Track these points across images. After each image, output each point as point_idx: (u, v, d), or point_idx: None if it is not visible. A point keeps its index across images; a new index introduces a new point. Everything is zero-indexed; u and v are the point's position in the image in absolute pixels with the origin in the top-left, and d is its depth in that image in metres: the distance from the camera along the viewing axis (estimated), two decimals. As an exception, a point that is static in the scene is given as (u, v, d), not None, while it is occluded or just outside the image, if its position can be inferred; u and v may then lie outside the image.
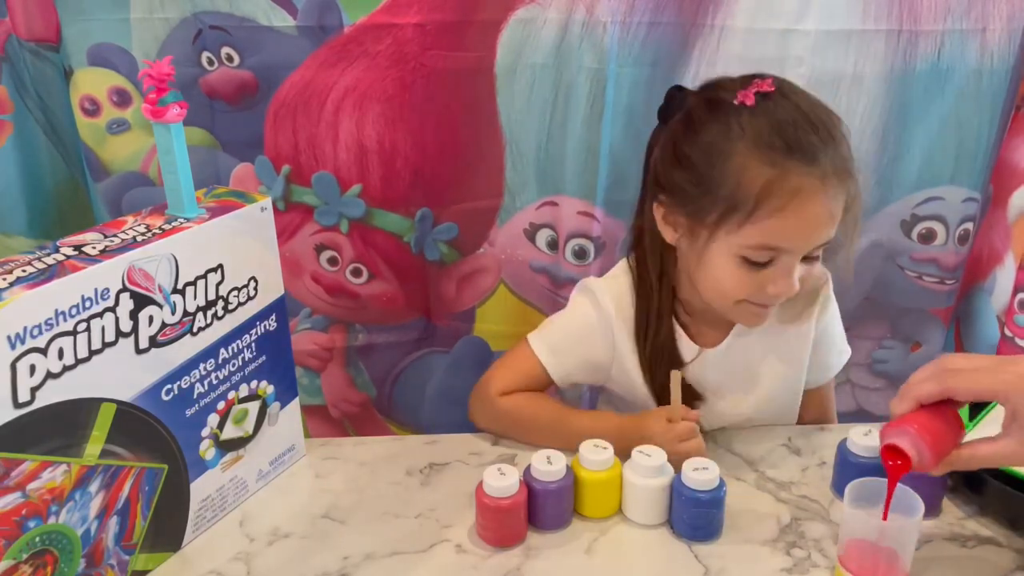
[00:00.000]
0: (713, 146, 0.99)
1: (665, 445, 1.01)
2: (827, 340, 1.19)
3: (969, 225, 1.42)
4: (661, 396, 1.12)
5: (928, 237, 1.43)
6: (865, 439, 1.00)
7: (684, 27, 1.28)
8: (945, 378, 0.82)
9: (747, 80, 1.01)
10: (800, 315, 1.15)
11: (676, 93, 1.09)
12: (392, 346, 1.53)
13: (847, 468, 1.00)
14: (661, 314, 1.12)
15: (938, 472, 0.85)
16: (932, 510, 0.99)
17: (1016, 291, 1.35)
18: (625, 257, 1.19)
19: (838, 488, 1.02)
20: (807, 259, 1.02)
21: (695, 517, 0.97)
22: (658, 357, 1.12)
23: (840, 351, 1.23)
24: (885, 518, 0.85)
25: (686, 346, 1.14)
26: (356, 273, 1.46)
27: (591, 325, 1.15)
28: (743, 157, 0.97)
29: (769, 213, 0.96)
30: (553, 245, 1.43)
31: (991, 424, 1.05)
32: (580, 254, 1.41)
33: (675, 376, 1.04)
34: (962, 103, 1.34)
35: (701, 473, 0.95)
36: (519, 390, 1.17)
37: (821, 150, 0.97)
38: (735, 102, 0.99)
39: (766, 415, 1.19)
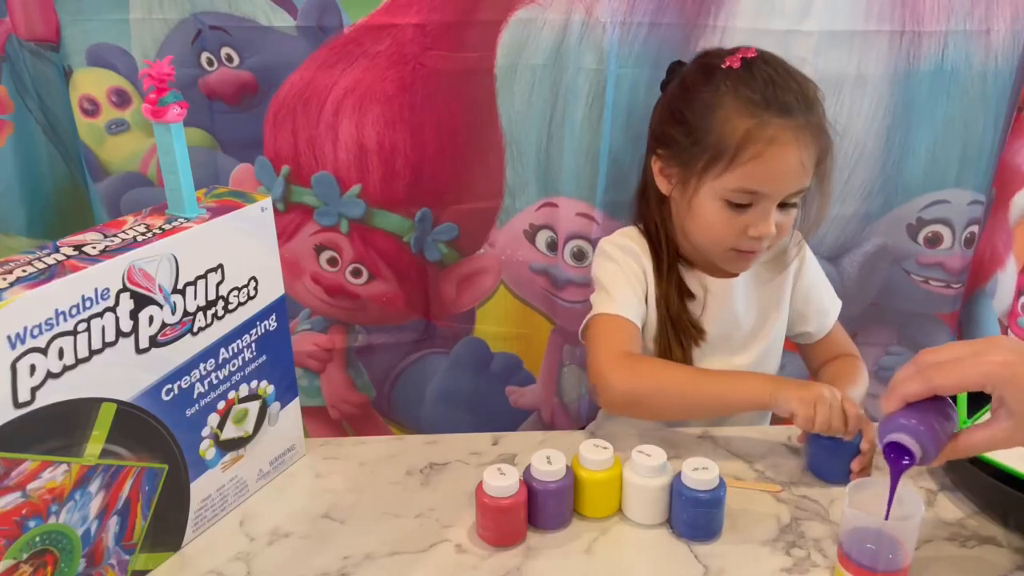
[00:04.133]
0: (703, 102, 1.14)
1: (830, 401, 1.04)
2: (816, 290, 1.30)
3: (975, 228, 1.41)
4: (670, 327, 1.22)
5: (934, 241, 1.43)
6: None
7: (685, 28, 1.28)
8: (929, 375, 0.82)
9: (735, 49, 1.16)
10: (778, 266, 1.27)
11: (676, 67, 1.25)
12: (392, 347, 1.53)
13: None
14: (671, 264, 1.23)
15: (938, 463, 0.86)
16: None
17: (1019, 294, 1.35)
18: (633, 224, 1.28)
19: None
20: (783, 206, 1.14)
21: (695, 517, 0.97)
22: (669, 298, 1.22)
23: (832, 297, 1.32)
24: (887, 517, 0.85)
25: (695, 283, 1.24)
26: (356, 274, 1.46)
27: (628, 263, 1.23)
28: (727, 110, 1.11)
29: (748, 159, 1.09)
30: (553, 246, 1.43)
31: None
32: (579, 256, 1.41)
33: None
34: (966, 105, 1.34)
35: (701, 473, 0.95)
36: (631, 351, 1.18)
37: (795, 106, 1.10)
38: (723, 66, 1.14)
39: (757, 367, 1.27)
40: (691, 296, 1.23)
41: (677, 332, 1.22)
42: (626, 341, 1.18)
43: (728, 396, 1.11)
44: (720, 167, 1.11)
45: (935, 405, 0.83)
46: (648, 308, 1.23)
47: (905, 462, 0.83)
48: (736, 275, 1.24)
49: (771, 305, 1.27)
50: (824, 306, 1.31)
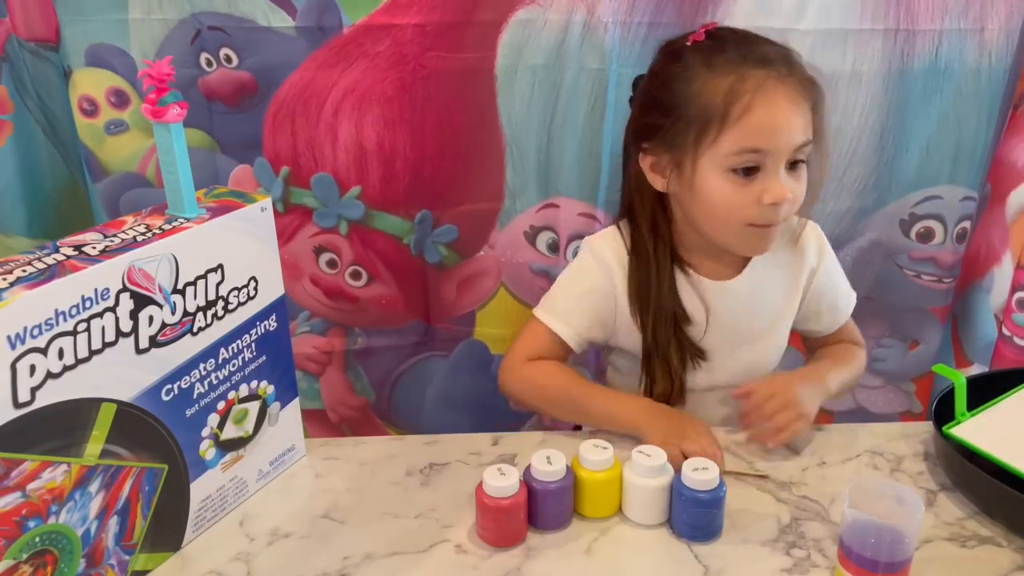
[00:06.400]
0: (676, 79, 1.08)
1: (698, 449, 1.04)
2: (831, 286, 1.24)
3: (967, 224, 1.42)
4: (657, 347, 1.17)
5: (926, 236, 1.44)
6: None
7: (684, 27, 1.28)
8: None
9: (695, 29, 1.11)
10: (790, 257, 1.20)
11: (639, 80, 1.18)
12: (391, 350, 1.53)
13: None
14: (661, 270, 1.15)
15: None
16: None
17: (1014, 290, 1.35)
18: (615, 224, 1.21)
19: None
20: (793, 167, 1.07)
21: (695, 517, 0.97)
22: (661, 314, 1.16)
23: (846, 294, 1.27)
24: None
25: (687, 297, 1.17)
26: (355, 276, 1.46)
27: (593, 277, 1.18)
28: (702, 79, 1.05)
29: (739, 115, 1.03)
30: (554, 247, 1.43)
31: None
32: None
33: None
34: (960, 102, 1.34)
35: (701, 473, 0.95)
36: (543, 358, 1.19)
37: (774, 57, 1.05)
38: (688, 44, 1.09)
39: (762, 360, 1.23)
40: (688, 320, 1.17)
41: (673, 353, 1.17)
42: (537, 349, 1.19)
43: (608, 419, 1.14)
44: (713, 133, 1.04)
45: None
46: (618, 329, 1.19)
47: None
48: (739, 274, 1.18)
49: (781, 303, 1.21)
50: (838, 304, 1.25)
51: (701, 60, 1.06)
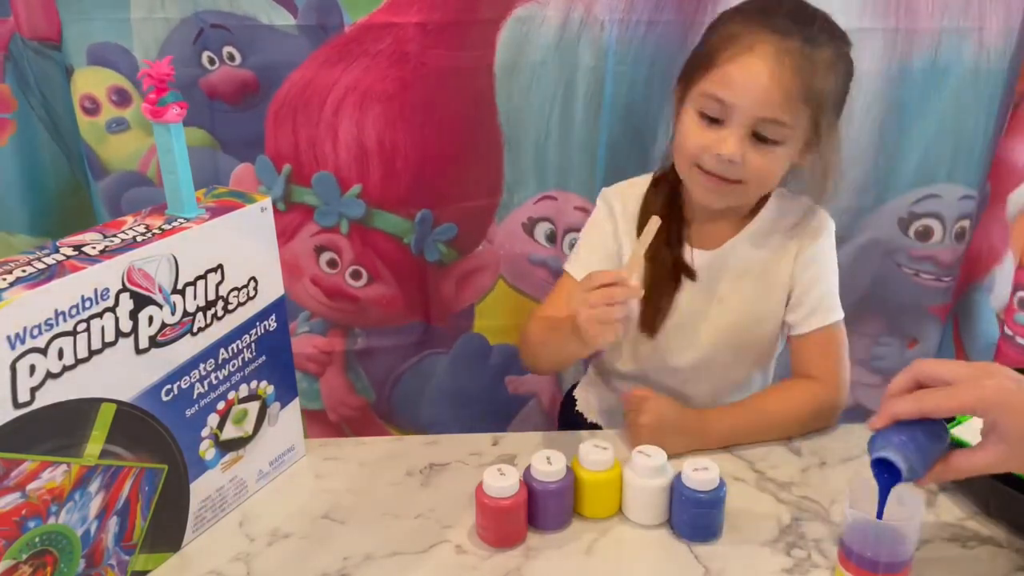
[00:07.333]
0: (715, 24, 1.12)
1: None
2: (811, 283, 1.18)
3: (966, 222, 1.42)
4: (650, 299, 1.17)
5: (925, 234, 1.43)
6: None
7: (683, 25, 1.28)
8: (921, 398, 0.82)
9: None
10: (781, 245, 1.18)
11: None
12: (391, 350, 1.53)
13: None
14: (663, 211, 1.14)
15: (925, 483, 0.86)
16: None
17: (1016, 289, 1.35)
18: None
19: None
20: (761, 141, 1.06)
21: (695, 517, 0.97)
22: (656, 255, 1.16)
23: (828, 302, 1.18)
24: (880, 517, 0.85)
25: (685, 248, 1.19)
26: (356, 276, 1.46)
27: (601, 221, 1.22)
28: (728, 21, 1.09)
29: (723, 61, 1.05)
30: (552, 238, 1.43)
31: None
32: None
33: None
34: (959, 101, 1.34)
35: (701, 473, 0.95)
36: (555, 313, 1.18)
37: (789, 27, 1.04)
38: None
39: (731, 341, 1.20)
40: (677, 243, 1.18)
41: (666, 274, 1.18)
42: (553, 301, 1.23)
43: (567, 325, 1.05)
44: (700, 72, 1.08)
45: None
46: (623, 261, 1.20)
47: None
48: (719, 247, 1.17)
49: (760, 286, 1.18)
50: (811, 303, 1.17)
51: (737, 11, 1.09)
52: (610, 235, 1.21)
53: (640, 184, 1.22)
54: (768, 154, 1.08)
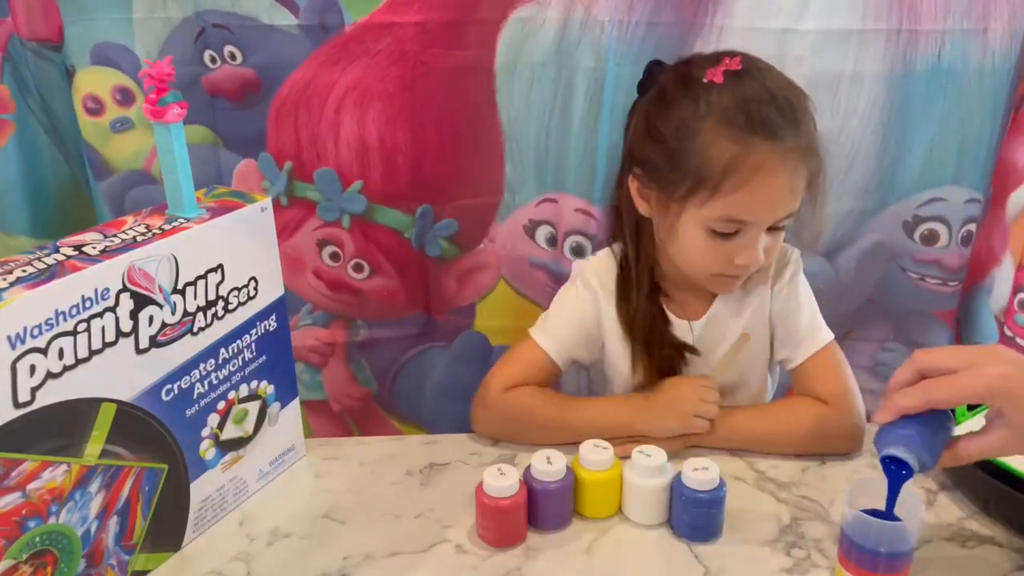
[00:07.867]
0: (683, 122, 1.05)
1: (694, 402, 1.09)
2: (791, 316, 1.18)
3: (972, 226, 1.41)
4: (644, 371, 1.17)
5: (931, 238, 1.42)
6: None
7: (683, 27, 1.28)
8: (927, 388, 0.83)
9: (717, 58, 1.06)
10: (757, 293, 1.18)
11: (655, 67, 1.15)
12: (393, 341, 1.54)
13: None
14: (640, 287, 1.16)
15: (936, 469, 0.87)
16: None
17: (1015, 291, 1.35)
18: (609, 245, 1.22)
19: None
20: (772, 230, 1.07)
21: (695, 517, 0.97)
22: (642, 330, 1.16)
23: (813, 328, 1.18)
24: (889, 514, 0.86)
25: (672, 319, 1.18)
26: (357, 268, 1.46)
27: (581, 300, 1.19)
28: (710, 133, 1.02)
29: (733, 188, 1.01)
30: (552, 241, 1.43)
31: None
32: (578, 251, 1.41)
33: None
34: (963, 103, 1.33)
35: (701, 473, 0.95)
36: (522, 384, 1.17)
37: (783, 127, 1.01)
38: (704, 80, 1.04)
39: (741, 387, 1.22)
40: (667, 322, 1.17)
41: (660, 356, 1.17)
42: (523, 372, 1.17)
43: (598, 427, 1.09)
44: (703, 196, 1.03)
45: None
46: (601, 350, 1.20)
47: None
48: (703, 315, 1.18)
49: (755, 324, 1.19)
50: (800, 335, 1.17)
51: (711, 112, 1.02)
52: (589, 312, 1.19)
53: (606, 258, 1.21)
54: (779, 235, 1.10)
